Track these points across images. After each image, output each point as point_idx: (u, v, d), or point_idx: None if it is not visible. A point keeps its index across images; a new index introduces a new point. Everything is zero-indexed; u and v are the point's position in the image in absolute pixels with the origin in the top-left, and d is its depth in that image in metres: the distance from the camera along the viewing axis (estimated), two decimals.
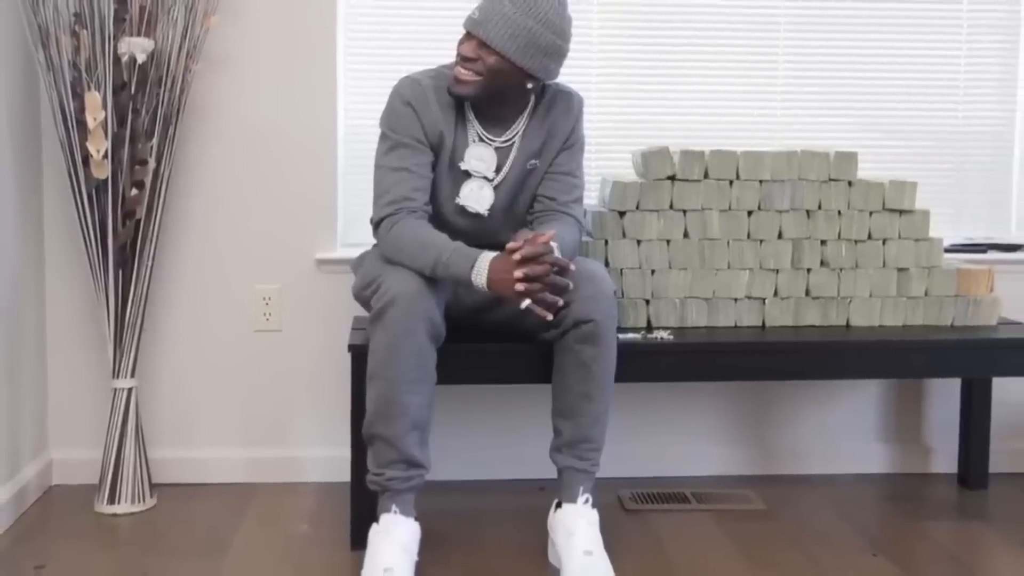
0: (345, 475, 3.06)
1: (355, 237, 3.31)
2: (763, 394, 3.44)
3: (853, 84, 3.44)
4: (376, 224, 2.65)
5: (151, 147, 2.99)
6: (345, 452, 3.10)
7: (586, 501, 2.63)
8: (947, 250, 3.36)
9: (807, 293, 3.07)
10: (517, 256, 2.45)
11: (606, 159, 3.37)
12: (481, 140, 2.71)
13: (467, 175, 2.71)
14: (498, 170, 2.73)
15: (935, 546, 2.85)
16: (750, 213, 3.05)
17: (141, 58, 2.93)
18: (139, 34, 2.95)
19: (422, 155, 2.65)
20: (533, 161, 2.74)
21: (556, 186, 2.75)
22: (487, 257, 2.50)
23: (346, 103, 3.31)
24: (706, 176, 3.03)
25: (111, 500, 3.04)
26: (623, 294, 3.01)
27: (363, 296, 2.70)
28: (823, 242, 3.07)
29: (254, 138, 3.25)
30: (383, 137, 2.68)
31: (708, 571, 2.67)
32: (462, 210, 2.73)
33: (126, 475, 3.04)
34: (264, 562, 2.70)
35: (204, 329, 3.29)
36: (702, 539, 2.88)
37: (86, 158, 2.94)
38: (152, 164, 3.00)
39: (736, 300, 3.05)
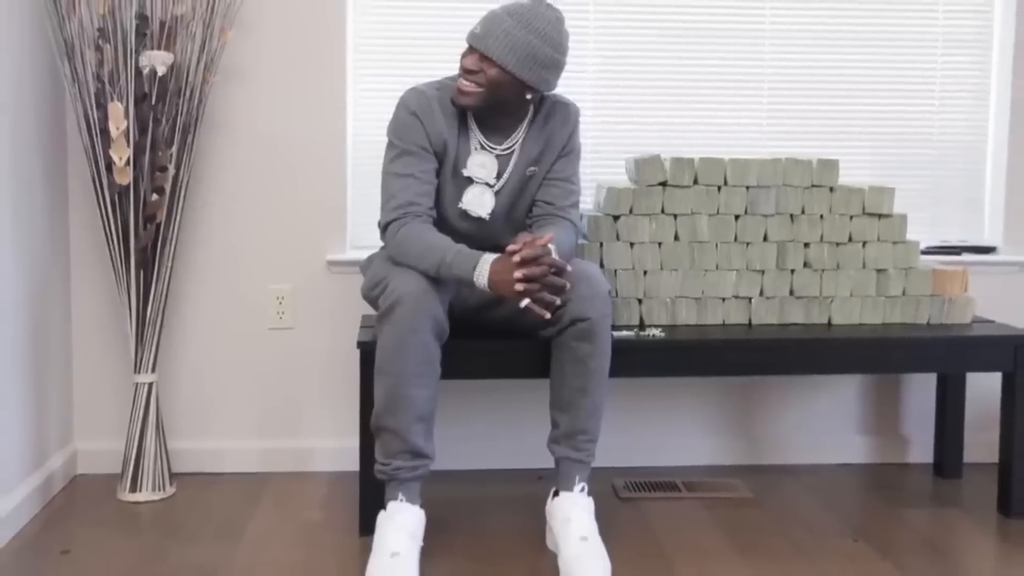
0: (354, 465, 3.07)
1: (364, 240, 3.32)
2: (749, 388, 3.44)
3: (835, 95, 3.44)
4: (383, 228, 2.65)
5: (171, 155, 2.99)
6: (354, 443, 3.11)
7: (582, 489, 2.63)
8: (923, 252, 3.37)
9: (791, 293, 3.07)
10: (517, 258, 2.45)
11: (601, 166, 3.37)
12: (483, 148, 2.71)
13: (469, 181, 2.71)
14: (499, 176, 2.73)
15: (912, 532, 2.85)
16: (737, 217, 3.05)
17: (161, 71, 2.93)
18: (159, 48, 2.96)
19: (427, 162, 2.65)
20: (532, 168, 2.74)
21: (554, 191, 2.75)
22: (488, 259, 2.50)
23: (355, 113, 3.31)
24: (695, 182, 3.03)
25: (133, 488, 3.04)
26: (617, 294, 3.01)
27: (371, 296, 2.70)
28: (806, 245, 3.07)
29: (268, 146, 3.25)
30: (390, 145, 2.68)
31: (698, 556, 2.67)
32: (465, 214, 2.73)
33: (147, 465, 3.04)
34: (277, 547, 2.70)
35: (221, 327, 3.29)
36: (692, 526, 2.88)
37: (109, 165, 2.94)
38: (172, 171, 3.00)
39: (724, 299, 3.05)
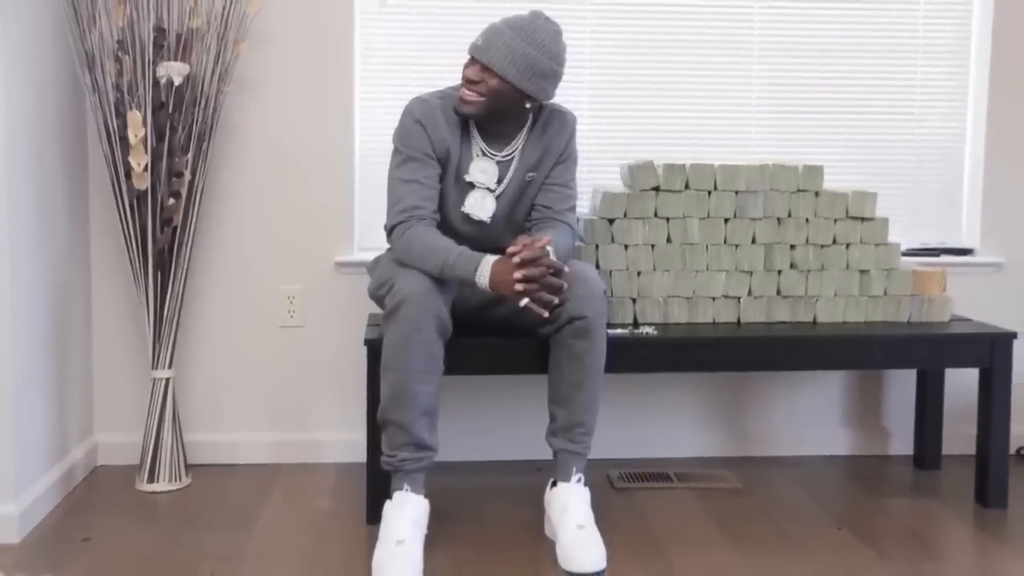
0: (361, 456, 3.07)
1: (370, 242, 3.31)
2: (738, 384, 3.43)
3: (820, 103, 3.44)
4: (389, 230, 2.65)
5: (187, 161, 2.99)
6: (361, 436, 3.11)
7: (579, 480, 2.63)
8: (904, 254, 3.36)
9: (778, 293, 3.07)
10: (516, 259, 2.46)
11: (597, 171, 3.36)
12: (484, 154, 2.71)
13: (471, 186, 2.71)
14: (499, 182, 2.73)
15: (894, 521, 2.85)
16: (726, 220, 3.05)
17: (178, 81, 2.93)
18: (176, 59, 2.96)
19: (431, 168, 2.65)
20: (531, 173, 2.74)
21: (552, 196, 2.75)
22: (489, 260, 2.50)
23: (362, 121, 3.31)
24: (687, 187, 3.03)
25: (151, 479, 3.04)
26: (612, 293, 3.01)
27: (378, 295, 2.71)
28: (792, 247, 3.07)
29: (279, 153, 3.25)
30: (396, 152, 2.68)
31: (689, 544, 2.67)
32: (467, 218, 2.72)
33: (164, 457, 3.04)
34: (288, 535, 2.70)
35: (235, 325, 3.29)
36: (684, 515, 2.88)
37: (128, 171, 2.94)
38: (188, 176, 3.00)
39: (714, 299, 3.05)
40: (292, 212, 3.27)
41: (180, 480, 3.07)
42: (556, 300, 2.51)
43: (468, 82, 2.61)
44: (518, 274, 2.44)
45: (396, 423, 2.53)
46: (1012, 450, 3.37)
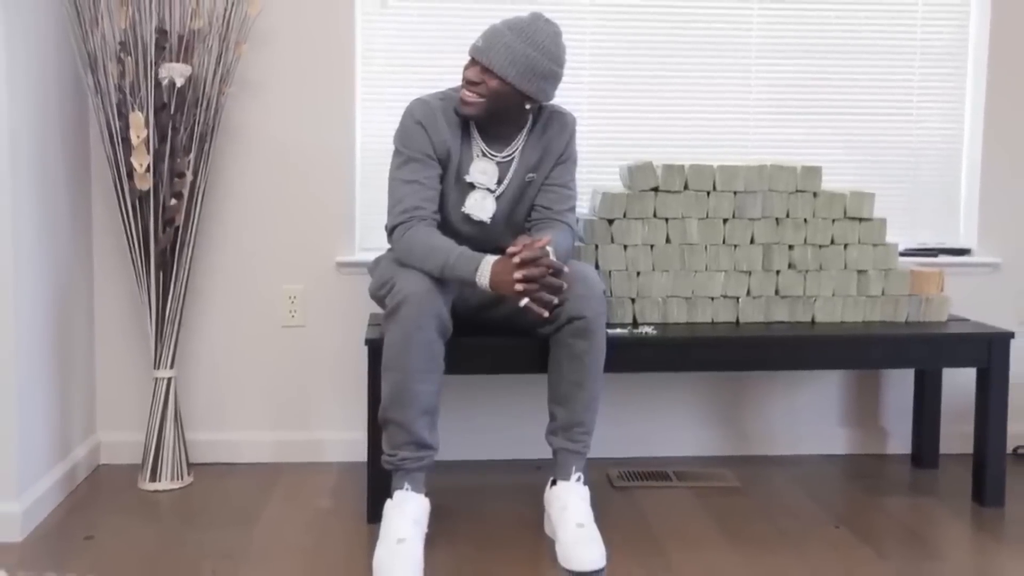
0: (362, 456, 3.08)
1: (371, 242, 3.31)
2: (737, 383, 3.44)
3: (818, 104, 3.44)
4: (390, 231, 2.65)
5: (189, 162, 2.99)
6: (362, 435, 3.12)
7: (578, 479, 2.63)
8: (902, 254, 3.37)
9: (776, 293, 3.07)
10: (516, 259, 2.46)
11: (596, 172, 3.37)
12: (484, 155, 2.71)
13: (472, 187, 2.71)
14: (500, 182, 2.73)
15: (891, 519, 2.86)
16: (725, 221, 3.05)
17: (180, 82, 2.93)
18: (178, 60, 2.96)
19: (431, 169, 2.65)
20: (531, 174, 2.74)
21: (551, 196, 2.75)
22: (489, 260, 2.50)
23: (363, 122, 3.31)
24: (686, 187, 3.03)
25: (153, 478, 3.04)
26: (611, 293, 3.01)
27: (379, 295, 2.71)
28: (791, 247, 3.07)
29: (281, 154, 3.25)
30: (396, 153, 2.68)
31: (688, 542, 2.67)
32: (467, 218, 2.73)
33: (166, 455, 3.05)
34: (290, 533, 2.71)
35: (236, 325, 3.29)
36: (683, 513, 2.88)
37: (130, 172, 2.94)
38: (190, 177, 3.00)
39: (713, 299, 3.05)
40: (293, 212, 3.27)
41: (182, 479, 3.08)
42: (556, 300, 2.51)
43: (468, 83, 2.61)
44: (518, 274, 2.45)
45: (397, 422, 2.53)
46: (1009, 449, 3.38)
